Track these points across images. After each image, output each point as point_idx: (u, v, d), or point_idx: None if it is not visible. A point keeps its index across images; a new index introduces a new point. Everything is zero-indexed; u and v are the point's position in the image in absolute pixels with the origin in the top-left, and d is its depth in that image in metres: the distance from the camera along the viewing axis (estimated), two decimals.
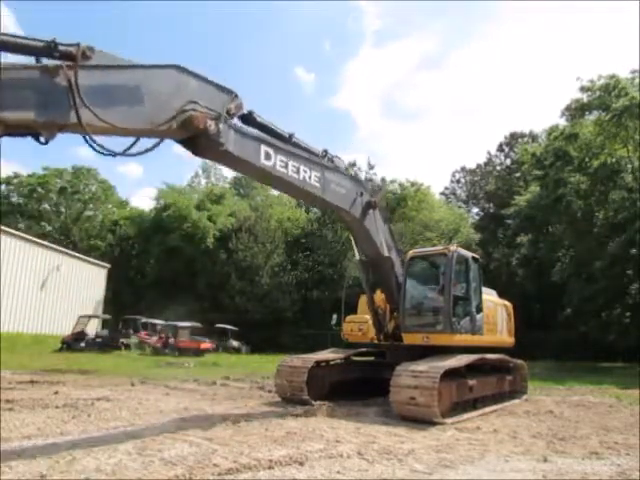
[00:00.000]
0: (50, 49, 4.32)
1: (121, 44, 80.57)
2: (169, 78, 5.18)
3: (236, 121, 6.27)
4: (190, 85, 5.36)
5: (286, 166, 6.73)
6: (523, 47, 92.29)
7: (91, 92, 4.46)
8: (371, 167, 44.00)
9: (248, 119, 6.69)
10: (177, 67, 5.27)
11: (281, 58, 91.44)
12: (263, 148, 6.41)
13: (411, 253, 9.68)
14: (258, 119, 6.77)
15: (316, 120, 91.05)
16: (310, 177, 7.14)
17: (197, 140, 5.58)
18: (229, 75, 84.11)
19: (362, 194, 8.30)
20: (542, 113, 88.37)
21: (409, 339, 8.89)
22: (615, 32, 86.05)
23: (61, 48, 4.36)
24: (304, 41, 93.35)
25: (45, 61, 4.37)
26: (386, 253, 8.84)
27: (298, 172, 6.93)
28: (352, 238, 9.45)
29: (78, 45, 4.41)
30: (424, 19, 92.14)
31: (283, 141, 7.07)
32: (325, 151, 7.92)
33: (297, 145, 7.34)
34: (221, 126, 5.58)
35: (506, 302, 11.39)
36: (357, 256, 9.69)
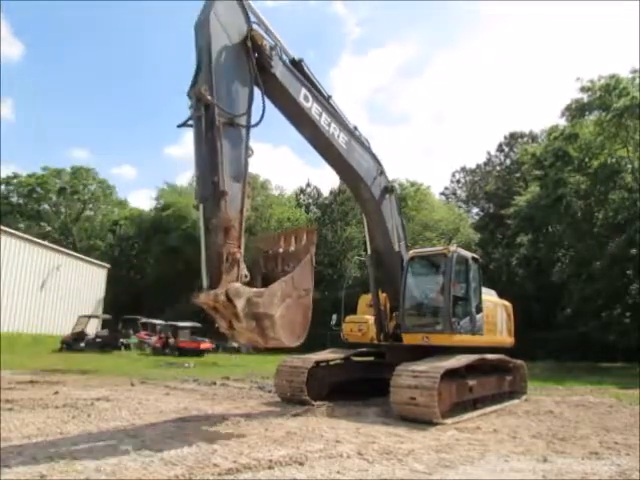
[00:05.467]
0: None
1: (111, 44, 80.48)
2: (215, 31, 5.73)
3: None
4: (223, 12, 5.87)
5: (320, 115, 7.10)
6: (523, 47, 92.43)
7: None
8: None
9: (296, 65, 7.07)
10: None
11: None
12: (303, 90, 6.85)
13: (411, 253, 9.66)
14: (305, 69, 7.21)
15: None
16: (339, 136, 7.48)
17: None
18: None
19: (382, 173, 8.58)
20: (542, 113, 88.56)
21: (409, 339, 8.89)
22: (615, 32, 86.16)
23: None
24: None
25: None
26: (397, 247, 8.99)
27: (329, 126, 7.28)
28: (365, 224, 9.52)
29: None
30: (424, 18, 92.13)
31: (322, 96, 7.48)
32: (355, 127, 8.18)
33: (333, 107, 7.66)
34: (273, 52, 6.39)
35: (506, 302, 11.38)
36: (369, 251, 9.66)
